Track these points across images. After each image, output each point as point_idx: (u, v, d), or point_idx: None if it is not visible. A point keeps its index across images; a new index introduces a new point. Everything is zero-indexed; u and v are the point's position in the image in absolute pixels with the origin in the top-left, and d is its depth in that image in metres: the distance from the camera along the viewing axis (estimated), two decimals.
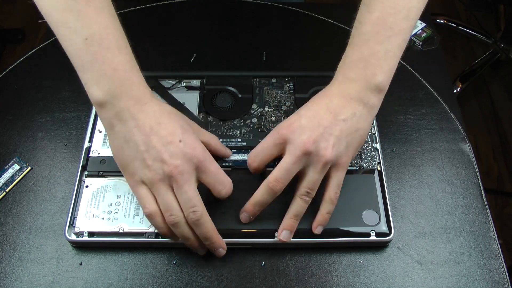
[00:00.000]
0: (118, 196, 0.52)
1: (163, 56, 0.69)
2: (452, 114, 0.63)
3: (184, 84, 0.62)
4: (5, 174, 0.56)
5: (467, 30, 1.63)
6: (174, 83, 0.62)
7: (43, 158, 0.58)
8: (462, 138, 0.61)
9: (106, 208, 0.51)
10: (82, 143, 0.56)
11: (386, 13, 0.47)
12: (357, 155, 0.56)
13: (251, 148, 0.55)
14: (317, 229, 0.49)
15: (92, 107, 0.59)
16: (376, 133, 0.58)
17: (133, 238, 0.50)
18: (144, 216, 0.50)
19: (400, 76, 0.67)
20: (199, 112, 0.59)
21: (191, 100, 0.60)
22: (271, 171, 0.47)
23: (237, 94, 0.61)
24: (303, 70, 0.65)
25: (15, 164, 0.57)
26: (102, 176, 0.54)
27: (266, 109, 0.60)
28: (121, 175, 0.53)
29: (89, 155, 0.55)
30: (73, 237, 0.50)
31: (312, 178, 0.47)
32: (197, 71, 0.65)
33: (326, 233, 0.50)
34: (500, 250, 0.52)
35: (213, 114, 0.59)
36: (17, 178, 0.56)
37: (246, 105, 0.60)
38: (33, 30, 1.57)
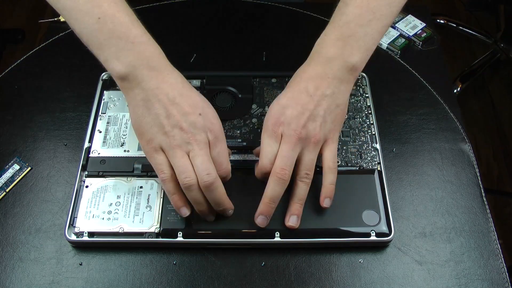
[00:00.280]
0: (118, 196, 0.52)
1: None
2: (452, 114, 0.63)
3: None
4: (5, 174, 0.56)
5: (467, 30, 1.63)
6: None
7: (43, 158, 0.58)
8: (462, 138, 0.61)
9: (106, 208, 0.51)
10: (82, 143, 0.56)
11: None
12: (357, 155, 0.56)
13: (251, 148, 0.56)
14: (325, 202, 0.50)
15: (92, 107, 0.59)
16: (376, 133, 0.58)
17: (133, 238, 0.50)
18: (144, 216, 0.50)
19: (400, 76, 0.67)
20: None
21: None
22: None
23: (237, 94, 0.61)
24: None
25: (15, 164, 0.57)
26: (102, 176, 0.54)
27: (266, 109, 0.60)
28: (121, 175, 0.53)
29: (89, 155, 0.55)
30: (73, 237, 0.50)
31: (308, 159, 0.49)
32: (197, 71, 0.65)
33: (326, 233, 0.50)
34: (500, 250, 0.52)
35: None
36: (17, 178, 0.56)
37: (246, 105, 0.60)
38: (33, 30, 1.57)
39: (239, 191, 0.52)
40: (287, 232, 0.50)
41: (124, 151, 0.56)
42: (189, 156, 0.47)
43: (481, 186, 0.56)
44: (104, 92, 0.61)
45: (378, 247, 0.51)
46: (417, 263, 0.50)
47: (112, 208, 0.51)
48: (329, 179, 0.50)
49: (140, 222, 0.50)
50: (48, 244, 0.51)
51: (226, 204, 0.49)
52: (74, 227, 0.50)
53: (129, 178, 0.53)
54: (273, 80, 0.63)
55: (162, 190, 0.52)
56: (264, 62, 0.69)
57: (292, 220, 0.50)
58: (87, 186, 0.53)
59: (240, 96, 0.61)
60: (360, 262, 0.50)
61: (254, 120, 0.59)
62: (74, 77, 0.66)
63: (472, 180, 0.57)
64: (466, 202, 0.55)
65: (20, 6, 1.68)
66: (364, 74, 0.63)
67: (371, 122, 0.59)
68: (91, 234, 0.50)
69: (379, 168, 0.55)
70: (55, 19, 0.73)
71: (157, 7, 0.76)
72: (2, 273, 0.49)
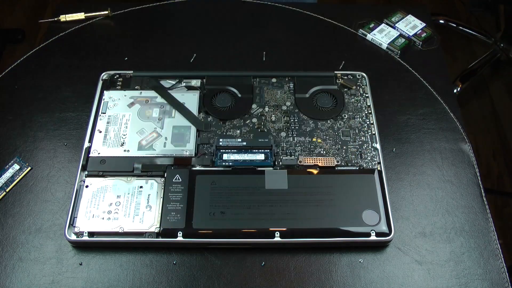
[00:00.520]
0: (118, 196, 0.52)
1: (163, 56, 0.69)
2: (452, 114, 0.63)
3: (184, 84, 0.62)
4: (5, 174, 0.56)
5: (467, 30, 1.63)
6: (174, 83, 0.62)
7: (43, 158, 0.58)
8: (462, 138, 0.61)
9: (106, 208, 0.51)
10: (82, 143, 0.56)
11: None
12: (357, 155, 0.56)
13: (251, 148, 0.56)
14: None
15: (92, 107, 0.59)
16: (376, 133, 0.58)
17: (133, 238, 0.50)
18: (144, 216, 0.50)
19: (400, 76, 0.67)
20: (199, 112, 0.59)
21: (191, 100, 0.60)
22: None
23: (237, 94, 0.61)
24: (303, 70, 0.66)
25: (15, 164, 0.57)
26: (102, 176, 0.54)
27: (266, 109, 0.60)
28: (121, 175, 0.53)
29: (89, 155, 0.55)
30: (73, 237, 0.50)
31: None
32: (197, 71, 0.65)
33: (326, 233, 0.50)
34: (500, 250, 0.52)
35: (213, 114, 0.59)
36: (17, 178, 0.56)
37: (246, 105, 0.60)
38: (33, 30, 1.57)
39: (239, 191, 0.52)
40: (287, 232, 0.50)
41: (124, 151, 0.56)
42: None
43: (481, 186, 0.56)
44: (104, 92, 0.61)
45: (378, 247, 0.51)
46: (417, 263, 0.51)
47: (112, 208, 0.51)
48: None
49: (140, 222, 0.50)
50: (48, 244, 0.51)
51: None
52: (74, 227, 0.50)
53: (129, 178, 0.53)
54: (273, 80, 0.63)
55: (162, 190, 0.52)
56: (264, 62, 0.69)
57: None
58: (87, 186, 0.53)
59: (240, 96, 0.61)
60: (360, 262, 0.50)
61: (254, 120, 0.59)
62: (74, 77, 0.66)
63: (472, 180, 0.57)
64: (466, 202, 0.55)
65: (20, 6, 1.68)
66: (364, 74, 0.63)
67: (371, 122, 0.59)
68: (91, 234, 0.50)
69: (379, 168, 0.55)
70: (55, 19, 0.73)
71: (157, 7, 0.76)
72: (2, 273, 0.49)
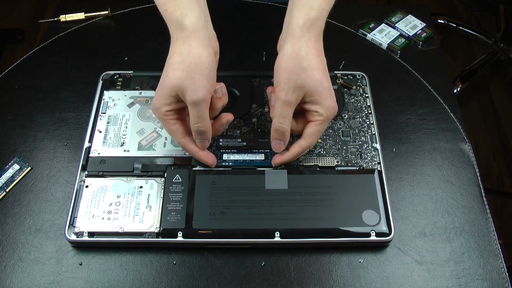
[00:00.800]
0: (118, 196, 0.52)
1: (163, 56, 0.69)
2: (452, 114, 0.63)
3: None
4: (5, 174, 0.56)
5: (467, 30, 1.63)
6: None
7: (43, 158, 0.58)
8: (462, 138, 0.61)
9: (106, 208, 0.51)
10: (82, 143, 0.56)
11: None
12: (357, 155, 0.56)
13: (251, 148, 0.56)
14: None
15: (92, 107, 0.59)
16: (376, 133, 0.58)
17: (133, 238, 0.50)
18: (144, 216, 0.50)
19: (400, 76, 0.67)
20: None
21: None
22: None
23: (237, 94, 0.61)
24: None
25: (15, 164, 0.57)
26: (102, 176, 0.54)
27: (266, 109, 0.60)
28: (121, 175, 0.53)
29: (89, 155, 0.55)
30: (73, 237, 0.50)
31: None
32: None
33: (326, 233, 0.50)
34: (500, 250, 0.52)
35: None
36: (17, 178, 0.56)
37: (246, 105, 0.60)
38: (33, 30, 1.57)
39: (239, 191, 0.52)
40: (287, 232, 0.50)
41: (124, 151, 0.56)
42: None
43: (481, 186, 0.56)
44: (104, 92, 0.61)
45: (378, 247, 0.51)
46: (417, 263, 0.50)
47: (112, 208, 0.51)
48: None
49: (140, 222, 0.50)
50: (48, 244, 0.51)
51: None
52: (74, 227, 0.50)
53: (129, 178, 0.53)
54: (273, 80, 0.63)
55: (162, 190, 0.52)
56: (264, 62, 0.69)
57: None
58: (87, 186, 0.53)
59: (240, 96, 0.61)
60: (360, 262, 0.50)
61: (254, 120, 0.59)
62: (74, 77, 0.66)
63: (472, 180, 0.57)
64: (466, 202, 0.55)
65: (20, 6, 1.68)
66: (364, 74, 0.63)
67: (371, 122, 0.59)
68: (91, 234, 0.50)
69: (379, 168, 0.55)
70: (55, 19, 0.73)
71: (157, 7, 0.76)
72: (2, 273, 0.49)
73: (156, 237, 0.50)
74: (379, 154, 0.56)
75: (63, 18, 0.73)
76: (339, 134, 0.58)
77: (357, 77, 0.63)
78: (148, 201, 0.52)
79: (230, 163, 0.55)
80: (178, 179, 0.53)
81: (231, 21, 0.75)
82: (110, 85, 0.62)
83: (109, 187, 0.53)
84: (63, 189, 0.55)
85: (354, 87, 0.62)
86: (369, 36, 0.71)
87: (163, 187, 0.53)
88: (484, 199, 0.55)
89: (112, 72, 0.63)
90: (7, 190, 0.55)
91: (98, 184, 0.53)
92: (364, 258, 0.51)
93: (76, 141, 0.59)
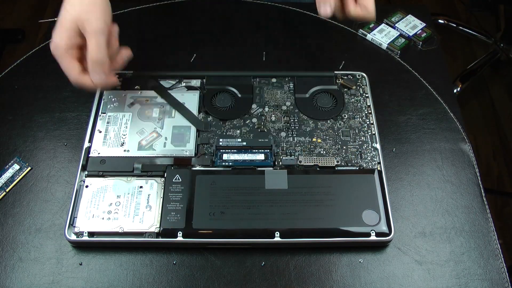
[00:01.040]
0: (118, 196, 0.52)
1: (163, 56, 0.69)
2: (452, 114, 0.63)
3: (184, 84, 0.62)
4: (5, 174, 0.56)
5: (467, 30, 1.63)
6: (174, 83, 0.62)
7: (43, 158, 0.58)
8: (462, 138, 0.61)
9: (106, 208, 0.51)
10: (82, 143, 0.56)
11: None
12: (357, 154, 0.56)
13: (251, 148, 0.56)
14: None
15: (92, 107, 0.59)
16: (376, 133, 0.58)
17: (133, 238, 0.50)
18: (144, 216, 0.50)
19: (400, 76, 0.67)
20: (199, 112, 0.59)
21: (191, 100, 0.60)
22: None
23: (237, 94, 0.61)
24: (303, 70, 0.66)
25: (15, 164, 0.57)
26: (102, 176, 0.54)
27: (266, 109, 0.60)
28: (121, 175, 0.53)
29: (89, 155, 0.55)
30: (73, 237, 0.50)
31: None
32: (197, 71, 0.65)
33: (326, 233, 0.50)
34: (500, 250, 0.52)
35: (213, 114, 0.59)
36: (17, 178, 0.56)
37: (246, 105, 0.60)
38: (33, 30, 1.57)
39: (239, 191, 0.52)
40: (287, 232, 0.50)
41: (124, 151, 0.56)
42: None
43: (481, 186, 0.56)
44: (104, 92, 0.61)
45: (378, 247, 0.51)
46: (417, 263, 0.51)
47: (112, 208, 0.51)
48: None
49: (140, 222, 0.50)
50: (48, 244, 0.51)
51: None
52: (74, 227, 0.50)
53: (129, 178, 0.53)
54: (273, 80, 0.63)
55: (162, 190, 0.52)
56: (264, 62, 0.69)
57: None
58: (87, 186, 0.53)
59: (240, 96, 0.61)
60: (360, 262, 0.50)
61: (254, 120, 0.59)
62: None
63: (472, 180, 0.57)
64: (466, 202, 0.55)
65: (20, 6, 1.68)
66: (364, 74, 0.63)
67: (371, 122, 0.59)
68: (91, 234, 0.50)
69: (379, 168, 0.55)
70: (55, 19, 0.73)
71: (157, 7, 0.76)
72: (2, 273, 0.49)
73: (156, 237, 0.50)
74: (379, 154, 0.56)
75: None
76: (339, 134, 0.58)
77: (357, 77, 0.63)
78: (148, 201, 0.52)
79: (230, 163, 0.55)
80: (178, 179, 0.53)
81: (231, 21, 0.75)
82: None
83: (109, 187, 0.53)
84: (63, 189, 0.55)
85: (354, 87, 0.62)
86: (369, 36, 0.71)
87: (163, 187, 0.53)
88: (484, 199, 0.55)
89: None
90: (7, 190, 0.55)
91: (98, 184, 0.53)
92: (364, 258, 0.51)
93: (76, 141, 0.59)
